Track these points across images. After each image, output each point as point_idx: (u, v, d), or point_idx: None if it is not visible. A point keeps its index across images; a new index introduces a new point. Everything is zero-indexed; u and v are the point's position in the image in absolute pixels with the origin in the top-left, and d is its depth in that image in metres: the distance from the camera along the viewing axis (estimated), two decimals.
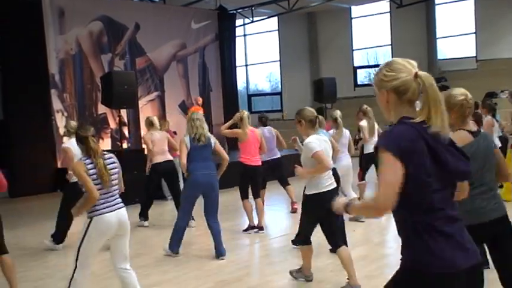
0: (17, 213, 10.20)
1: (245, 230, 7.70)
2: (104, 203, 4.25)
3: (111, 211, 4.27)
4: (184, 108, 16.73)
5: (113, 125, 14.75)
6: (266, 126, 8.93)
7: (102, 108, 14.13)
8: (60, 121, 13.76)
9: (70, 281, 4.28)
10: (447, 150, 2.26)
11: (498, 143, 8.32)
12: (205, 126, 6.44)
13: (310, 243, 5.13)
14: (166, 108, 16.52)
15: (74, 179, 6.74)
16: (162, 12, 16.68)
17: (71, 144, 6.60)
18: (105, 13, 15.07)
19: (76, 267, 4.27)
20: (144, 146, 9.01)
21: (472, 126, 3.56)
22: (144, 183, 8.67)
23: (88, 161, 4.24)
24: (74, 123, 7.39)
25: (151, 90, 16.38)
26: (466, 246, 2.26)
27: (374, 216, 2.44)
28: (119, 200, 4.41)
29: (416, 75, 2.25)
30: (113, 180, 4.33)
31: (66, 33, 14.13)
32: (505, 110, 12.86)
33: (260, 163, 7.74)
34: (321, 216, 4.87)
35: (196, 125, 6.32)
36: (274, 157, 8.75)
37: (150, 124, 8.60)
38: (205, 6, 17.91)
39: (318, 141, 4.90)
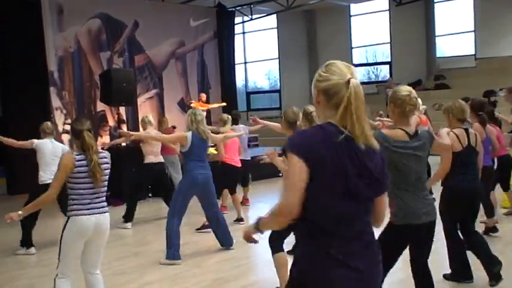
0: (15, 210, 10.17)
1: (198, 229, 7.65)
2: (85, 204, 4.04)
3: (90, 214, 4.04)
4: (183, 105, 16.71)
5: (111, 122, 14.72)
6: (237, 124, 9.05)
7: (101, 106, 14.12)
8: (59, 119, 13.77)
9: (54, 280, 4.13)
10: (365, 160, 2.16)
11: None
12: (205, 124, 6.40)
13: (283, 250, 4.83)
14: (165, 105, 16.51)
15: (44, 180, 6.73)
16: (161, 10, 16.64)
17: (39, 141, 6.89)
18: (104, 10, 15.05)
19: (58, 266, 4.13)
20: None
21: (412, 127, 3.67)
22: (134, 184, 8.66)
23: (79, 157, 4.04)
24: (50, 124, 7.28)
25: (150, 87, 16.37)
26: (359, 268, 2.16)
27: (280, 225, 2.26)
28: (104, 204, 4.19)
29: (348, 81, 2.18)
30: (104, 179, 4.13)
31: (65, 31, 14.11)
32: (505, 108, 12.84)
33: (240, 164, 7.92)
34: None
35: (198, 119, 6.20)
36: (247, 159, 8.78)
37: (149, 123, 8.52)
38: (204, 3, 17.88)
39: None
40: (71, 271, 4.18)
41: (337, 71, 2.22)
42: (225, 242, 6.59)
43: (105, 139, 14.52)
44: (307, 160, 2.11)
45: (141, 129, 9.68)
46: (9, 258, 6.80)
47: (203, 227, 7.56)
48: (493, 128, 6.79)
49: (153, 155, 8.36)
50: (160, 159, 8.49)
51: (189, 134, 6.16)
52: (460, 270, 5.10)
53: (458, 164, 4.71)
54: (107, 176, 4.18)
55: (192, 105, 14.22)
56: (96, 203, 4.10)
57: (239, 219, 8.05)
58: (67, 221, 4.08)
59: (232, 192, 8.35)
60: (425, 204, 3.68)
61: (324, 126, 2.20)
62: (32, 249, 6.96)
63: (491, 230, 6.74)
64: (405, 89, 3.63)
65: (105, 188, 4.20)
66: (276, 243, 4.78)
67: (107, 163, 4.21)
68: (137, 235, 7.85)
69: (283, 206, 2.16)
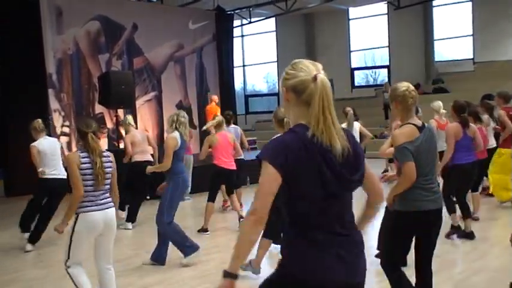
0: (13, 212, 10.16)
1: (200, 231, 7.62)
2: (93, 200, 4.21)
3: (98, 210, 4.23)
4: (181, 108, 16.69)
5: (110, 124, 14.72)
6: (230, 124, 9.06)
7: (99, 108, 14.10)
8: (58, 121, 13.76)
9: (67, 271, 4.30)
10: (338, 163, 2.19)
11: (493, 142, 8.37)
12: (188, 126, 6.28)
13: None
14: (164, 108, 16.50)
15: (44, 175, 6.94)
16: (160, 13, 16.66)
17: (36, 143, 6.99)
18: (103, 13, 15.05)
19: (68, 261, 4.27)
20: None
21: (417, 119, 3.81)
22: (127, 185, 8.61)
23: (84, 154, 4.20)
24: (40, 121, 7.32)
25: (149, 90, 16.37)
26: (344, 257, 2.21)
27: (251, 236, 2.23)
28: (109, 199, 4.37)
29: (315, 77, 2.21)
30: (107, 180, 4.31)
31: (64, 33, 14.10)
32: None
33: (234, 166, 7.95)
34: None
35: (184, 122, 6.09)
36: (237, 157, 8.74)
37: (130, 125, 8.51)
38: (203, 6, 17.91)
39: None
40: (82, 263, 4.38)
41: (303, 68, 2.26)
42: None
43: (103, 142, 14.56)
44: (281, 168, 2.14)
45: (123, 131, 9.62)
46: (7, 258, 6.79)
47: (202, 229, 7.61)
48: (476, 128, 6.76)
49: (141, 154, 8.36)
50: (149, 157, 8.41)
51: (177, 135, 6.06)
52: None
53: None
54: (110, 175, 4.36)
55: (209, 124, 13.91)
56: (102, 199, 4.28)
57: (240, 217, 7.99)
58: (76, 219, 4.20)
59: (229, 193, 8.34)
60: (433, 192, 3.78)
61: (296, 130, 2.22)
62: (26, 234, 7.14)
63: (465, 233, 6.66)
64: (402, 85, 3.81)
65: (108, 186, 4.37)
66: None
67: (110, 161, 4.38)
68: (136, 237, 7.85)
69: (257, 211, 2.17)
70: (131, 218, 8.35)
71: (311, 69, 2.26)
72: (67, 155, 4.45)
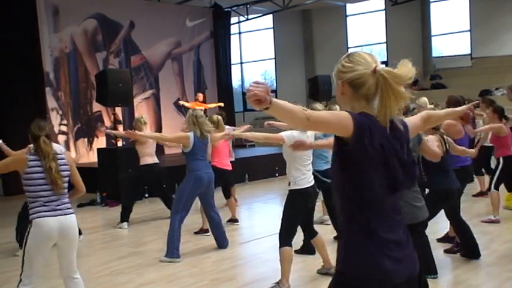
0: (11, 212, 10.16)
1: (197, 233, 7.56)
2: (47, 206, 3.95)
3: (53, 215, 3.94)
4: (179, 106, 16.71)
5: (107, 123, 14.72)
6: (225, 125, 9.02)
7: (97, 106, 14.10)
8: (55, 120, 13.74)
9: (18, 285, 4.03)
10: (400, 153, 2.14)
11: None
12: (209, 123, 6.55)
13: (291, 245, 4.89)
14: (162, 106, 16.50)
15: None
16: (157, 10, 16.63)
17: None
18: (100, 11, 15.02)
19: (22, 272, 4.01)
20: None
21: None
22: (130, 184, 8.65)
23: (33, 157, 3.96)
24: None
25: (147, 88, 16.35)
26: (404, 252, 2.16)
27: (293, 121, 2.06)
28: (68, 205, 4.08)
29: (375, 71, 2.12)
30: (64, 184, 4.05)
31: (61, 31, 14.07)
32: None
33: (230, 167, 8.04)
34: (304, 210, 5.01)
35: (200, 121, 6.27)
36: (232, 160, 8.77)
37: (144, 123, 8.45)
38: (200, 3, 17.87)
39: (295, 134, 4.84)
40: (36, 277, 4.09)
41: (361, 61, 2.16)
42: (221, 243, 6.66)
43: (101, 140, 14.56)
44: (356, 122, 2.03)
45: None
46: (5, 257, 6.79)
47: (201, 231, 7.54)
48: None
49: (148, 156, 8.34)
50: (156, 160, 8.46)
51: (191, 135, 6.24)
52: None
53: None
54: (67, 178, 4.10)
55: (186, 105, 14.21)
56: (58, 205, 4.01)
57: (233, 220, 8.08)
58: (30, 226, 3.97)
59: (227, 195, 8.32)
60: None
61: (365, 114, 2.12)
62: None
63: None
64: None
65: (67, 190, 4.12)
66: (284, 238, 4.82)
67: (66, 164, 4.10)
68: (134, 235, 7.85)
69: (308, 115, 2.00)
70: (126, 217, 8.34)
71: (369, 61, 2.15)
72: (18, 152, 4.11)
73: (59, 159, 4.04)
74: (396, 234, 2.15)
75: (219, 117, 8.23)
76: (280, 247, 4.80)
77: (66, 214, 4.03)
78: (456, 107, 6.33)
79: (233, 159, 8.94)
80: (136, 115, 11.20)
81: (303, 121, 1.99)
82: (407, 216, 3.62)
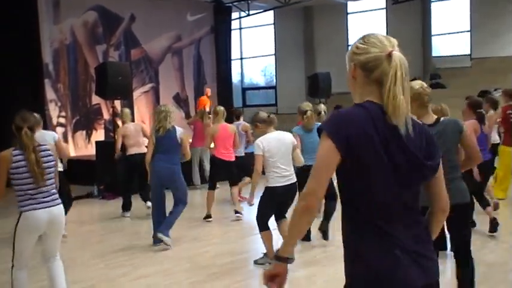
0: (13, 202, 10.16)
1: (204, 218, 7.98)
2: (35, 198, 3.99)
3: (42, 208, 4.00)
4: (178, 100, 16.70)
5: (106, 116, 14.70)
6: (239, 120, 9.71)
7: (96, 99, 14.07)
8: (54, 111, 13.72)
9: (11, 271, 4.19)
10: (405, 143, 1.96)
11: (497, 138, 8.38)
12: (170, 119, 6.45)
13: (268, 228, 5.61)
14: (161, 100, 16.47)
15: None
16: (158, 4, 16.60)
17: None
18: (100, 3, 14.99)
19: (13, 259, 4.16)
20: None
21: (431, 117, 3.85)
22: (121, 175, 8.80)
23: (16, 152, 3.97)
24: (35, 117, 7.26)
25: (146, 81, 16.34)
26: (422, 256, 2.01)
27: (300, 227, 2.00)
28: (55, 196, 4.13)
29: (390, 54, 1.97)
30: (48, 175, 4.04)
31: (61, 23, 14.05)
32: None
33: (233, 158, 8.16)
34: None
35: (160, 117, 6.44)
36: (238, 155, 8.77)
37: (126, 117, 8.76)
38: None
39: (265, 141, 5.44)
40: (27, 261, 4.25)
41: (377, 43, 2.02)
42: (158, 226, 6.52)
43: (100, 133, 14.54)
44: (340, 143, 1.91)
45: (120, 123, 9.71)
46: (6, 246, 6.78)
47: (236, 212, 8.03)
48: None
49: (133, 147, 8.48)
50: (143, 149, 8.42)
51: (153, 131, 6.54)
52: None
53: None
54: (52, 169, 4.10)
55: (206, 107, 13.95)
56: (46, 197, 4.05)
57: (237, 212, 8.09)
58: (19, 218, 4.05)
59: (232, 184, 8.43)
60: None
61: (365, 106, 1.98)
62: None
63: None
64: (417, 83, 3.83)
65: (53, 181, 4.13)
66: (260, 225, 5.60)
67: (50, 155, 4.10)
68: (131, 229, 7.85)
69: (307, 195, 1.94)
70: (127, 207, 8.56)
71: (385, 44, 2.01)
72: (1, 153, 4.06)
73: (41, 150, 4.04)
74: (409, 238, 1.99)
75: (222, 107, 8.42)
76: (260, 231, 5.63)
77: (54, 205, 4.11)
78: (476, 109, 6.44)
79: (242, 151, 8.97)
80: (137, 108, 11.24)
81: (308, 209, 1.96)
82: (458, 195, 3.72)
